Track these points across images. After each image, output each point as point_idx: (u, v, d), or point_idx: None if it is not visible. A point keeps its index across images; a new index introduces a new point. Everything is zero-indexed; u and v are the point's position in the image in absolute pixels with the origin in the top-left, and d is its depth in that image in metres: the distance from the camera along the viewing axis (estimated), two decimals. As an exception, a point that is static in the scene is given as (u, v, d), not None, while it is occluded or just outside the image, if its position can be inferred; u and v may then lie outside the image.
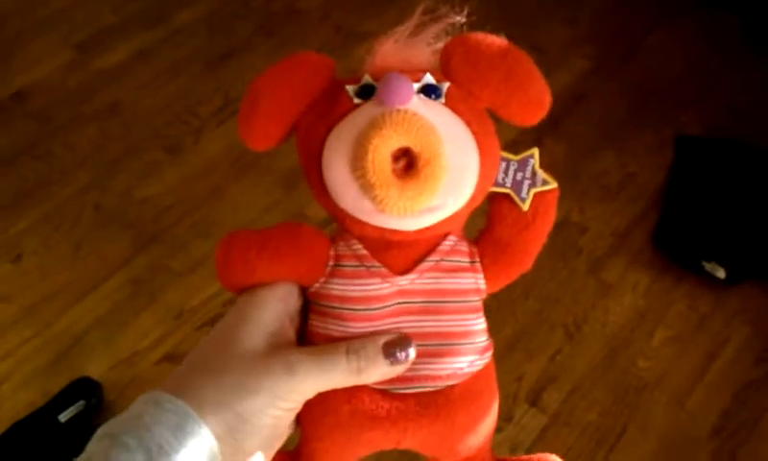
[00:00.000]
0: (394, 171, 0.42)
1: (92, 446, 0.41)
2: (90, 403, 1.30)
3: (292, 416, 0.45)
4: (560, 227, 1.53)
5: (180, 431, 0.40)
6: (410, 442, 0.48)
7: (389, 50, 0.47)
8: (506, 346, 1.40)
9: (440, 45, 0.47)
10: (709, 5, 2.06)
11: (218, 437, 0.41)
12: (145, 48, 1.95)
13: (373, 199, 0.42)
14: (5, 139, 1.74)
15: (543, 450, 0.50)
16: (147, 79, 1.88)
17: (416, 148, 0.41)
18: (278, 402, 0.43)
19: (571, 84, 1.80)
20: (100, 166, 1.69)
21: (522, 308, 1.46)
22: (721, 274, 1.47)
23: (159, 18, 2.02)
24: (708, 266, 1.48)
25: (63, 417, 1.29)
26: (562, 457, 0.50)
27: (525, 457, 0.52)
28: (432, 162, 0.41)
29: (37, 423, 1.29)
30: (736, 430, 1.32)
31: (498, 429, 1.30)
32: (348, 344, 0.45)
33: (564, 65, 1.84)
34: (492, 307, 1.43)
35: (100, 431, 0.41)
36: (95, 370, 1.37)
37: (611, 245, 1.56)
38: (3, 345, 1.41)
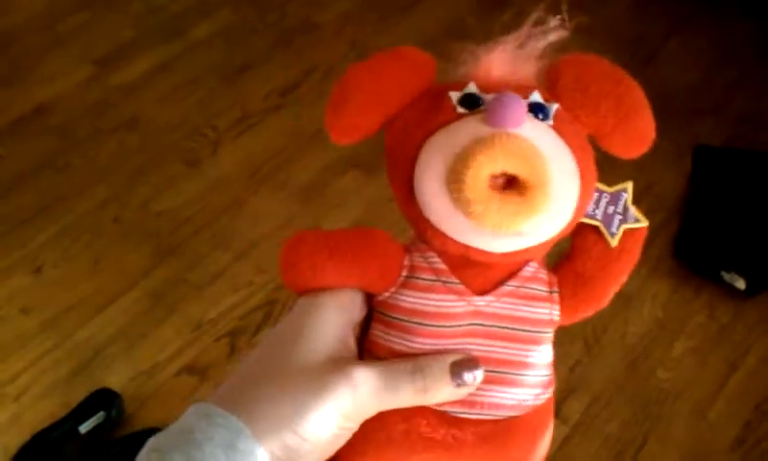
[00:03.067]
0: (492, 186, 0.40)
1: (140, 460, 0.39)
2: (110, 415, 1.31)
3: (350, 435, 0.42)
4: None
5: (233, 450, 0.38)
6: None
7: (495, 60, 0.45)
8: (525, 357, 1.40)
9: (546, 60, 0.45)
10: (726, 13, 2.06)
11: (273, 456, 0.39)
12: (163, 62, 1.96)
13: (470, 214, 0.39)
14: (25, 153, 1.75)
15: (565, 461, 0.50)
16: (165, 92, 1.89)
17: (522, 175, 0.39)
18: (340, 421, 0.40)
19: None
20: (119, 179, 1.70)
21: (541, 319, 1.45)
22: (741, 284, 1.46)
23: (177, 32, 2.03)
24: (727, 277, 1.48)
25: (84, 428, 1.29)
26: None
27: None
28: (538, 190, 0.39)
29: (58, 433, 1.29)
30: (759, 441, 1.31)
31: (518, 440, 1.30)
32: (414, 362, 0.42)
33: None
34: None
35: (149, 444, 0.39)
36: (115, 381, 1.37)
37: (630, 255, 1.55)
38: (24, 356, 1.42)
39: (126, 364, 1.41)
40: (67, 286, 1.52)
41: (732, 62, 1.95)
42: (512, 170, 0.39)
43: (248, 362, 0.43)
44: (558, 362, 1.42)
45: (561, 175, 0.41)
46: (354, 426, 0.42)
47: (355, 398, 0.41)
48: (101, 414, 1.30)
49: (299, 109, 1.83)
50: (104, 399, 1.33)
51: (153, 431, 0.40)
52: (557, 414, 1.34)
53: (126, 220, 1.63)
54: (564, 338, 1.42)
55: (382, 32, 1.99)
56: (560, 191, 0.41)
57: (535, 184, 0.39)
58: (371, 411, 0.42)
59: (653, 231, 1.56)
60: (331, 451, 0.42)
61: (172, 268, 1.54)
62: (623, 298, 1.49)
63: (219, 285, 1.51)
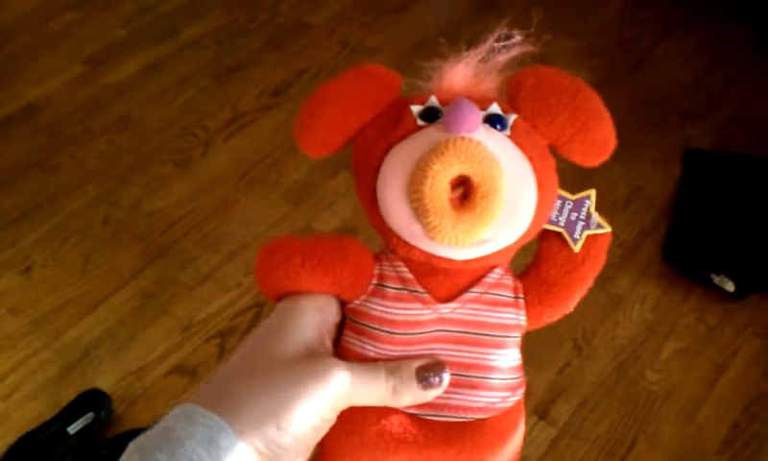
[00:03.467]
0: (450, 200, 0.41)
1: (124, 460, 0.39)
2: (99, 415, 1.30)
3: (327, 427, 0.43)
4: (568, 240, 1.52)
5: (214, 447, 0.39)
6: None
7: (457, 73, 0.46)
8: (515, 358, 1.40)
9: (508, 74, 0.46)
10: (716, 17, 2.07)
11: (255, 450, 0.40)
12: (154, 62, 1.96)
13: (426, 225, 0.41)
14: (15, 153, 1.75)
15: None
16: (156, 93, 1.89)
17: (476, 178, 0.41)
18: (319, 413, 0.42)
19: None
20: (109, 179, 1.70)
21: (531, 321, 1.45)
22: (730, 287, 1.47)
23: (168, 33, 2.03)
24: (716, 279, 1.48)
25: (73, 429, 1.29)
26: None
27: None
28: (490, 195, 0.41)
29: (47, 434, 1.29)
30: (747, 443, 1.32)
31: (507, 442, 1.30)
32: (386, 364, 0.44)
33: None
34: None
35: (131, 446, 0.40)
36: (104, 382, 1.37)
37: (619, 258, 1.56)
38: (13, 356, 1.41)
39: (115, 365, 1.41)
40: (56, 286, 1.51)
41: (722, 66, 1.96)
42: (465, 172, 0.41)
43: (230, 362, 0.44)
44: (547, 364, 1.44)
45: (516, 181, 0.42)
46: (333, 418, 0.43)
47: (333, 390, 0.42)
48: (90, 415, 1.30)
49: (290, 109, 1.83)
50: (93, 399, 1.32)
51: (142, 432, 0.41)
52: (545, 416, 1.34)
53: (116, 220, 1.62)
54: (553, 340, 1.43)
55: (374, 32, 1.99)
56: (516, 198, 0.42)
57: (488, 189, 0.41)
58: (347, 404, 0.43)
59: (642, 234, 1.59)
60: (311, 443, 0.43)
61: (162, 269, 1.54)
62: (612, 300, 1.50)
63: (209, 286, 1.51)
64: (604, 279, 1.51)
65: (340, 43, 1.99)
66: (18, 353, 1.42)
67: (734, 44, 2.01)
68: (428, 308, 0.45)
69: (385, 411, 0.45)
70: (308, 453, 0.43)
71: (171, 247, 1.58)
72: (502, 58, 0.46)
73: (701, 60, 1.98)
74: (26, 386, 1.38)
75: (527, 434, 1.35)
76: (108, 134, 1.79)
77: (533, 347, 1.41)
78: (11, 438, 1.29)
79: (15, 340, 1.43)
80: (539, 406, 1.36)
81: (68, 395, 1.34)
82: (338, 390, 0.42)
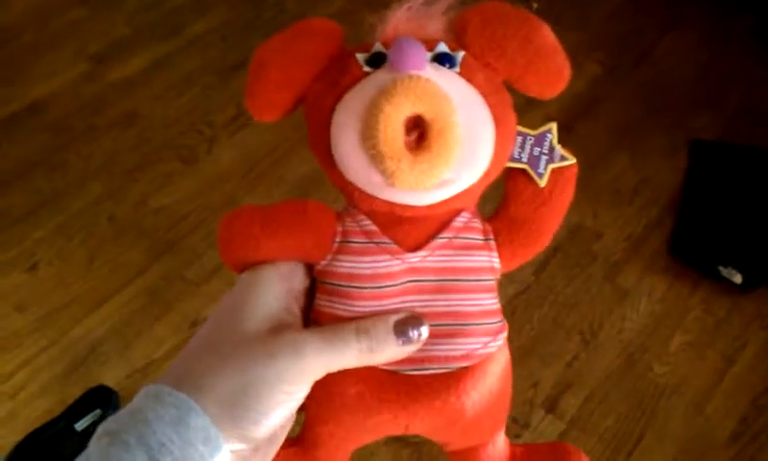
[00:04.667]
0: (406, 143, 0.40)
1: (92, 444, 0.39)
2: (107, 412, 1.31)
3: (300, 400, 0.42)
4: (574, 232, 1.52)
5: (183, 426, 0.38)
6: (419, 427, 0.46)
7: (401, 18, 0.45)
8: (522, 352, 1.40)
9: (453, 15, 0.45)
10: (722, 7, 2.06)
11: (223, 428, 0.39)
12: (159, 59, 1.96)
13: (384, 172, 0.40)
14: (21, 151, 1.75)
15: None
16: (161, 89, 1.89)
17: (428, 115, 0.40)
18: (286, 387, 0.40)
19: (583, 90, 1.80)
20: (115, 177, 1.70)
21: (538, 315, 1.45)
22: (738, 279, 1.46)
23: (173, 29, 2.03)
24: (724, 271, 1.47)
25: (80, 425, 1.29)
26: None
27: (540, 444, 0.50)
28: (445, 133, 0.40)
29: (54, 431, 1.29)
30: (756, 436, 1.31)
31: (516, 436, 1.30)
32: (358, 323, 0.42)
33: (575, 70, 1.82)
34: (508, 314, 1.42)
35: (100, 429, 0.39)
36: (110, 379, 1.37)
37: (626, 250, 1.56)
38: (19, 354, 1.41)
39: (121, 362, 1.41)
40: (62, 284, 1.52)
41: (727, 57, 1.95)
42: (417, 110, 0.40)
43: (195, 339, 0.43)
44: (554, 358, 1.43)
45: (470, 116, 0.41)
46: (303, 391, 0.42)
47: (301, 363, 0.41)
48: (97, 412, 1.30)
49: (295, 105, 1.82)
50: (100, 396, 1.33)
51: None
52: (553, 410, 1.34)
53: (121, 217, 1.62)
54: (560, 333, 1.43)
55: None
56: (471, 134, 0.41)
57: (442, 126, 0.40)
58: (317, 375, 0.42)
59: (649, 227, 1.58)
60: (283, 416, 0.42)
61: (168, 265, 1.54)
62: (619, 293, 1.49)
63: (215, 282, 1.51)
64: (610, 272, 1.52)
65: (346, 40, 1.98)
66: (25, 351, 1.42)
67: (739, 35, 2.00)
68: (397, 259, 0.44)
69: (363, 372, 0.44)
70: (283, 427, 0.43)
71: (177, 244, 1.58)
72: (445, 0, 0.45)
73: (706, 52, 1.97)
74: (33, 384, 1.38)
75: (535, 428, 1.36)
76: (114, 132, 1.79)
77: (540, 340, 1.42)
78: (18, 435, 1.29)
79: (22, 338, 1.44)
80: (546, 400, 1.35)
81: (75, 392, 1.34)
82: (304, 363, 0.41)
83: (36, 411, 1.34)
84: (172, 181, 1.69)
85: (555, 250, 1.51)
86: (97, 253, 1.57)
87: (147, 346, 1.43)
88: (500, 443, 0.49)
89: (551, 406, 1.35)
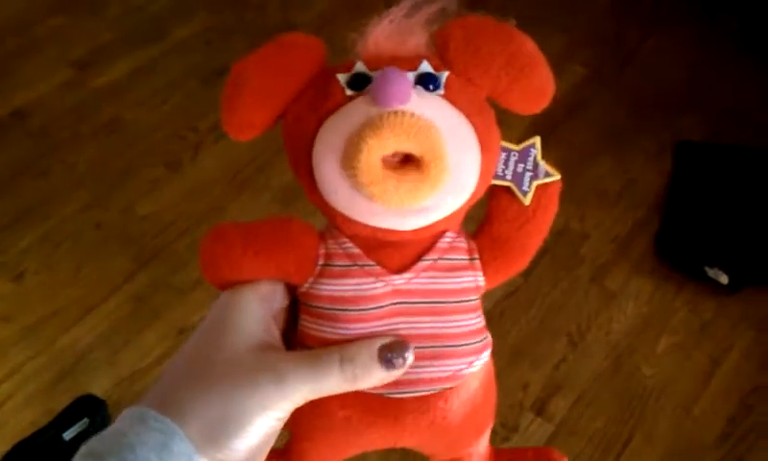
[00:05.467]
0: (390, 164, 0.39)
1: None
2: (95, 421, 1.30)
3: (281, 424, 0.42)
4: (560, 234, 1.53)
5: (167, 451, 0.38)
6: (407, 442, 0.46)
7: (382, 33, 0.44)
8: (510, 355, 1.40)
9: (436, 28, 0.44)
10: (706, 10, 2.07)
11: (204, 453, 0.39)
12: (142, 65, 1.95)
13: (369, 195, 0.39)
14: (4, 158, 1.74)
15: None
16: (145, 95, 1.88)
17: (417, 152, 0.39)
18: (268, 413, 0.40)
19: (568, 92, 1.80)
20: (100, 184, 1.69)
21: (526, 317, 1.46)
22: (724, 279, 1.47)
23: (156, 35, 2.02)
24: (710, 272, 1.48)
25: (68, 435, 1.28)
26: None
27: (523, 448, 0.50)
28: (433, 165, 0.39)
29: (42, 441, 1.28)
30: (743, 437, 1.32)
31: (504, 439, 1.30)
32: (342, 350, 0.42)
33: (560, 73, 1.81)
34: (496, 316, 1.43)
35: (83, 449, 0.39)
36: (98, 388, 1.37)
37: (613, 252, 1.56)
38: (6, 364, 1.40)
39: (109, 370, 1.40)
40: (49, 293, 1.51)
41: (712, 59, 1.96)
42: (404, 149, 0.39)
43: (177, 361, 0.43)
44: (542, 360, 1.43)
45: (457, 144, 0.41)
46: (285, 417, 0.42)
47: (283, 389, 0.40)
48: (85, 421, 1.30)
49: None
50: (88, 405, 1.32)
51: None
52: (542, 412, 1.34)
53: (107, 225, 1.62)
54: (547, 336, 1.43)
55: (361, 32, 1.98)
56: (458, 161, 0.41)
57: (431, 159, 0.39)
58: (299, 402, 0.41)
59: (635, 228, 1.59)
60: (265, 442, 0.41)
61: (154, 273, 1.53)
62: (606, 295, 1.50)
63: (202, 290, 1.50)
64: (597, 274, 1.52)
65: (327, 43, 1.98)
66: (11, 361, 1.41)
67: (722, 37, 2.01)
68: (381, 281, 0.43)
69: (350, 395, 0.43)
70: (262, 454, 0.43)
71: (163, 251, 1.58)
72: (426, 12, 0.44)
73: (691, 53, 1.98)
74: (20, 394, 1.37)
75: (524, 431, 1.36)
76: (98, 138, 1.78)
77: (528, 343, 1.42)
78: (5, 446, 1.28)
79: (8, 347, 1.42)
80: (535, 403, 1.36)
81: (62, 401, 1.33)
82: (287, 391, 0.41)
83: (23, 421, 1.33)
84: (158, 187, 1.69)
85: (542, 252, 1.51)
86: (84, 261, 1.56)
87: (134, 354, 1.42)
88: (483, 446, 0.50)
89: (540, 409, 1.35)
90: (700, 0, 2.09)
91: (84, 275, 1.54)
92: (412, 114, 0.39)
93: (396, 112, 0.39)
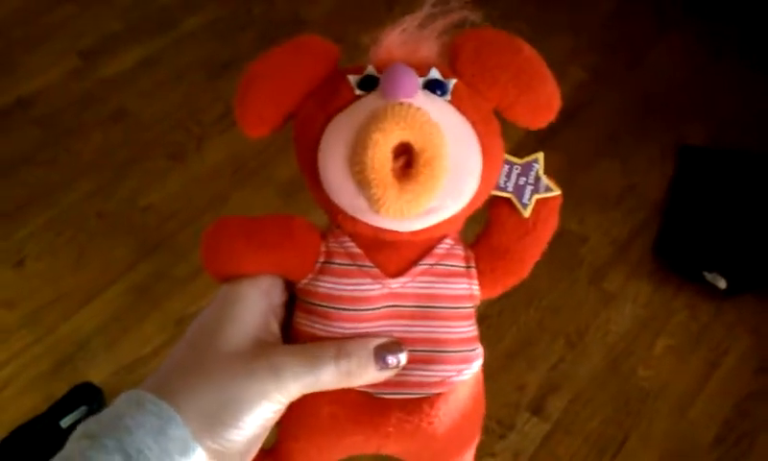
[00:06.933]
0: (393, 170, 0.40)
1: (71, 445, 0.39)
2: (92, 409, 1.30)
3: (276, 417, 0.43)
4: (559, 236, 1.51)
5: (163, 436, 0.39)
6: (392, 448, 0.46)
7: (394, 41, 0.45)
8: (508, 355, 1.40)
9: (448, 39, 0.45)
10: (711, 15, 2.07)
11: (201, 441, 0.40)
12: (149, 56, 1.95)
13: (370, 198, 0.40)
14: (9, 146, 1.74)
15: (546, 459, 0.50)
16: (151, 86, 1.88)
17: (417, 144, 0.40)
18: (264, 405, 0.41)
19: (571, 95, 1.80)
20: (103, 173, 1.69)
21: (524, 318, 1.46)
22: (722, 284, 1.47)
23: (163, 26, 2.02)
24: (709, 276, 1.48)
25: (65, 423, 1.29)
26: None
27: None
28: (433, 162, 0.40)
29: (39, 428, 1.29)
30: (738, 440, 1.33)
31: (501, 437, 1.30)
32: (338, 346, 0.43)
33: (564, 76, 1.84)
34: (494, 317, 1.43)
35: (79, 430, 0.40)
36: (97, 376, 1.37)
37: (611, 255, 1.56)
38: (5, 350, 1.41)
39: (108, 359, 1.41)
40: (50, 280, 1.51)
41: (716, 65, 1.96)
42: (406, 138, 0.40)
43: (177, 350, 0.43)
44: (540, 360, 1.44)
45: (459, 147, 0.41)
46: (281, 409, 0.42)
47: (279, 383, 0.41)
48: (83, 409, 1.30)
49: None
50: (86, 393, 1.33)
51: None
52: (538, 412, 1.35)
53: (110, 214, 1.62)
54: (545, 336, 1.43)
55: (368, 28, 1.98)
56: (459, 163, 0.41)
57: (430, 156, 0.40)
58: (294, 395, 0.42)
59: (634, 231, 1.59)
60: (260, 434, 0.42)
61: (156, 263, 1.54)
62: (604, 296, 1.50)
63: (203, 280, 1.51)
64: (596, 276, 1.52)
65: (335, 39, 1.98)
66: (11, 347, 1.42)
67: (729, 42, 2.01)
68: (378, 283, 0.44)
69: (338, 393, 0.44)
70: (256, 445, 0.43)
71: (165, 241, 1.58)
72: (440, 23, 0.45)
73: (694, 59, 1.98)
74: (19, 380, 1.38)
75: (520, 429, 1.36)
76: (103, 128, 1.79)
77: (526, 343, 1.42)
78: (3, 432, 1.29)
79: (8, 334, 1.43)
80: (532, 402, 1.36)
81: (61, 389, 1.34)
82: (282, 383, 0.41)
83: (21, 407, 1.34)
84: (161, 178, 1.69)
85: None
86: (85, 249, 1.56)
87: (134, 343, 1.43)
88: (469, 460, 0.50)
89: (536, 408, 1.35)
90: (706, 6, 2.08)
91: (86, 263, 1.54)
92: (418, 108, 0.40)
93: (401, 104, 0.40)
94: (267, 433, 0.44)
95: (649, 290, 1.51)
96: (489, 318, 1.41)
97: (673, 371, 1.41)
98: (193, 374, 0.41)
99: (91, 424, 0.40)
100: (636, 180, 1.69)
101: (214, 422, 0.40)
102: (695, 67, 1.95)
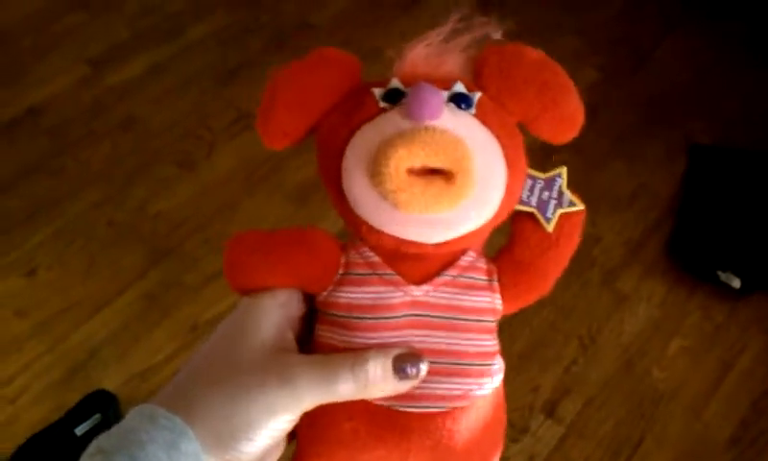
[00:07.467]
0: (417, 172, 0.40)
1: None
2: (107, 417, 1.30)
3: (290, 428, 0.42)
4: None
5: (175, 450, 0.39)
6: None
7: (419, 54, 0.45)
8: (521, 357, 1.40)
9: (472, 53, 0.45)
10: (718, 14, 2.06)
11: (214, 454, 0.40)
12: (157, 63, 1.96)
13: (394, 201, 0.40)
14: (19, 155, 1.75)
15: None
16: (159, 94, 1.88)
17: (445, 166, 0.40)
18: (277, 416, 0.41)
19: (580, 95, 1.78)
20: (113, 181, 1.70)
21: (537, 320, 1.45)
22: (736, 284, 1.47)
23: (172, 34, 2.03)
24: (723, 276, 1.48)
25: (80, 430, 1.29)
26: None
27: None
28: (461, 175, 0.40)
29: (54, 436, 1.29)
30: (754, 440, 1.32)
31: (515, 440, 1.30)
32: (356, 356, 0.42)
33: (572, 76, 1.82)
34: (506, 319, 1.43)
35: (92, 446, 0.39)
36: (109, 385, 1.37)
37: (624, 255, 1.56)
38: (18, 359, 1.41)
39: (120, 367, 1.41)
40: (61, 289, 1.51)
41: (724, 63, 1.95)
42: (433, 164, 0.40)
43: (191, 362, 0.43)
44: (553, 363, 1.43)
45: (484, 161, 0.41)
46: (294, 419, 0.42)
47: (292, 393, 0.41)
48: (97, 416, 1.30)
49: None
50: (100, 401, 1.33)
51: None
52: (552, 414, 1.34)
53: (120, 222, 1.62)
54: (558, 338, 1.43)
55: (377, 32, 1.98)
56: (485, 177, 0.41)
57: (458, 171, 0.40)
58: (308, 406, 0.42)
59: (647, 231, 1.58)
60: (274, 445, 0.42)
61: (166, 270, 1.54)
62: (618, 297, 1.49)
63: (214, 287, 1.51)
64: (609, 277, 1.52)
65: (343, 43, 1.98)
66: (24, 356, 1.42)
67: (736, 41, 2.00)
68: (400, 291, 0.44)
69: (358, 405, 0.43)
70: (272, 453, 0.43)
71: (176, 249, 1.58)
72: (464, 38, 0.45)
73: (703, 58, 1.97)
74: (33, 388, 1.38)
75: (534, 432, 1.36)
76: (113, 136, 1.79)
77: (539, 345, 1.42)
78: (19, 440, 1.29)
79: (21, 343, 1.43)
80: (545, 405, 1.35)
81: (74, 397, 1.34)
82: (297, 394, 0.41)
83: (35, 416, 1.34)
84: (171, 185, 1.69)
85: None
86: (96, 257, 1.57)
87: (146, 351, 1.43)
88: None
89: (550, 411, 1.35)
90: (712, 5, 2.08)
91: (96, 272, 1.54)
92: (443, 131, 0.40)
93: (426, 128, 0.40)
94: (282, 444, 0.44)
95: (663, 290, 1.51)
96: (501, 320, 1.39)
97: (688, 371, 1.40)
98: (206, 386, 0.41)
99: (104, 439, 0.40)
100: (647, 179, 1.68)
101: (225, 434, 0.40)
102: (700, 67, 1.95)
